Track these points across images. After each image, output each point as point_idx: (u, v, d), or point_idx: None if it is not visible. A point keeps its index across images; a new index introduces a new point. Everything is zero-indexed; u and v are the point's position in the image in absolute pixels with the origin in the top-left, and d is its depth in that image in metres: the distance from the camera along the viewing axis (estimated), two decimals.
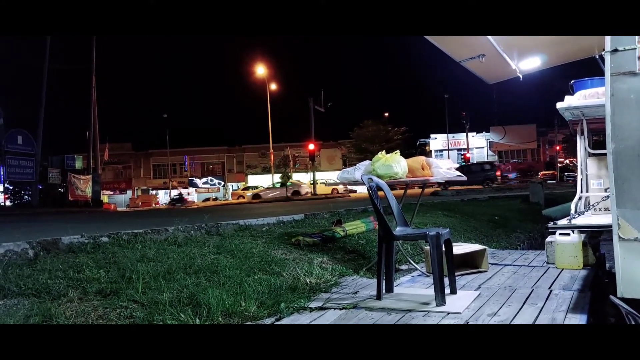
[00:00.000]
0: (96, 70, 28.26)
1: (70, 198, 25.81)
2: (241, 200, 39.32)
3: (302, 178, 48.44)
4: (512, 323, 2.94)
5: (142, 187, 58.96)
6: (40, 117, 25.55)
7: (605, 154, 4.23)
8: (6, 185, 24.45)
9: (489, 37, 4.34)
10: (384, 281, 3.66)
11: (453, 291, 3.63)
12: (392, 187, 4.16)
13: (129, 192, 57.62)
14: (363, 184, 3.87)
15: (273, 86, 39.45)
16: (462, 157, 50.02)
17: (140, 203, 45.58)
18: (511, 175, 44.93)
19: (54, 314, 2.78)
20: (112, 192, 55.79)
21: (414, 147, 51.09)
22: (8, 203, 24.53)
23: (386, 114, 52.87)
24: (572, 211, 4.58)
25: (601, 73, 3.60)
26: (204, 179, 58.93)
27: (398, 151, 4.55)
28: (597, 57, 4.51)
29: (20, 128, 24.53)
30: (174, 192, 47.38)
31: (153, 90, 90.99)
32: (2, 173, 23.98)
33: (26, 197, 24.98)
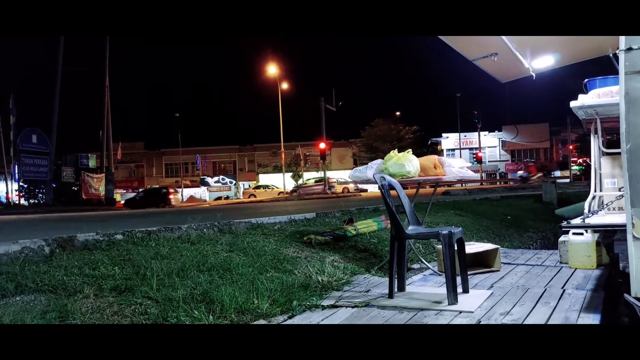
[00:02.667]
0: (109, 71, 28.51)
1: (83, 196, 26.09)
2: (252, 199, 39.48)
3: (312, 177, 48.53)
4: (525, 322, 2.94)
5: (155, 186, 59.33)
6: (55, 116, 25.84)
7: (619, 153, 4.20)
8: (21, 183, 24.74)
9: (502, 35, 4.32)
10: (396, 280, 3.66)
11: (465, 290, 3.63)
12: (404, 186, 4.16)
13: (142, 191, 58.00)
14: (375, 182, 3.88)
15: (284, 85, 39.52)
16: (474, 156, 49.80)
17: None
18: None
19: (70, 310, 2.82)
20: (124, 191, 56.16)
21: (425, 147, 50.90)
22: (23, 201, 24.82)
23: (397, 113, 52.73)
24: (586, 210, 4.56)
25: (615, 71, 3.58)
26: (216, 178, 59.19)
27: (410, 150, 4.55)
28: (611, 55, 4.48)
29: (35, 127, 24.84)
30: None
31: (165, 89, 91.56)
32: (16, 171, 24.29)
33: (40, 195, 25.26)
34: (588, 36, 4.42)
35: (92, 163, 28.72)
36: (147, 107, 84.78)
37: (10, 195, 26.38)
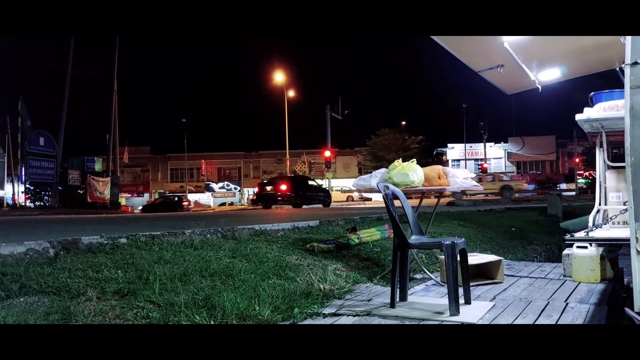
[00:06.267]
0: (117, 75, 28.69)
1: (89, 200, 26.16)
2: (256, 206, 39.50)
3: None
4: None
5: (160, 191, 59.56)
6: (62, 119, 26.02)
7: (624, 167, 4.19)
8: (27, 185, 24.86)
9: (508, 47, 4.33)
10: (398, 289, 3.66)
11: (467, 301, 3.62)
12: (408, 196, 4.17)
13: (147, 195, 58.22)
14: (379, 191, 3.89)
15: (291, 93, 39.65)
16: (480, 167, 49.67)
17: None
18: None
19: (72, 312, 2.83)
20: (130, 195, 56.39)
21: (430, 157, 50.85)
22: (29, 203, 24.92)
23: (403, 123, 52.77)
24: (590, 224, 4.54)
25: (621, 85, 3.58)
26: (221, 184, 59.34)
27: (415, 159, 4.55)
28: (617, 69, 4.48)
29: (43, 130, 25.00)
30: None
31: (172, 95, 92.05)
32: (23, 173, 24.42)
33: (46, 197, 25.37)
34: (594, 48, 4.43)
35: (98, 166, 28.79)
36: (153, 112, 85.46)
37: (16, 197, 26.51)
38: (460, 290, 3.54)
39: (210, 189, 58.42)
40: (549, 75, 5.10)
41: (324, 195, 25.43)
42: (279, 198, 23.26)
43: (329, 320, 3.24)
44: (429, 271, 4.82)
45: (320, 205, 23.96)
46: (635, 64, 2.68)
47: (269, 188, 24.50)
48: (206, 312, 3.04)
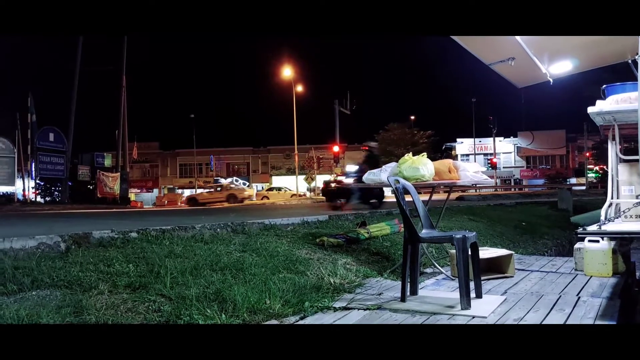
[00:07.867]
0: (126, 71, 28.77)
1: (98, 195, 26.32)
2: (265, 200, 39.62)
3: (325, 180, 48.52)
4: None
5: (169, 186, 59.83)
6: (72, 115, 26.16)
7: (637, 160, 4.14)
8: (37, 181, 25.04)
9: (520, 40, 4.29)
10: (409, 283, 3.65)
11: (478, 295, 3.61)
12: (418, 190, 4.15)
13: (156, 191, 58.50)
14: (389, 185, 3.87)
15: (299, 88, 39.56)
16: (489, 162, 49.44)
17: (166, 202, 46.17)
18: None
19: (84, 305, 2.85)
20: (139, 190, 56.66)
21: (440, 151, 50.65)
22: (39, 199, 25.11)
23: (412, 117, 52.59)
24: (602, 217, 4.49)
25: (634, 78, 3.53)
26: (229, 179, 59.51)
27: (425, 153, 4.53)
28: (629, 61, 4.42)
29: (53, 126, 25.16)
30: None
31: (181, 91, 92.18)
32: (33, 169, 24.59)
33: (56, 193, 25.54)
34: (606, 41, 4.37)
35: (107, 162, 28.94)
36: (162, 108, 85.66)
37: (26, 192, 26.70)
38: (471, 285, 3.53)
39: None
40: (560, 68, 5.04)
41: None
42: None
43: (339, 314, 3.24)
44: (439, 265, 4.80)
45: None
46: None
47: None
48: (217, 306, 3.05)
